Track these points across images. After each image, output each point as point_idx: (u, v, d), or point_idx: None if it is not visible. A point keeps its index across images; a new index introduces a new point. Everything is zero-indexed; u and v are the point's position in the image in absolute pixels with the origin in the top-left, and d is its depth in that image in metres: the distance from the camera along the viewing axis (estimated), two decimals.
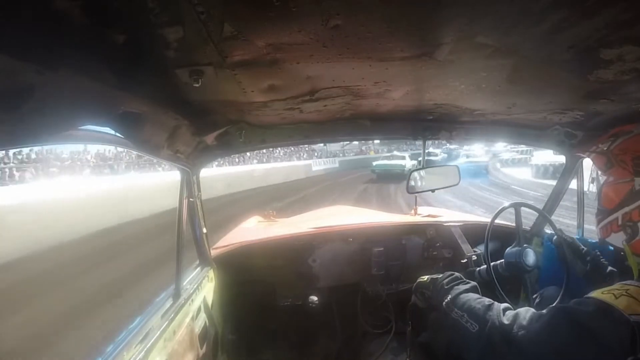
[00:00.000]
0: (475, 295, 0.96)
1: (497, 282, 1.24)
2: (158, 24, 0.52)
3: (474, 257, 1.51)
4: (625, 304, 0.70)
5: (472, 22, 0.57)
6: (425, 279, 1.16)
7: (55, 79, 0.48)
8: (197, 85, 0.72)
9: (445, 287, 1.05)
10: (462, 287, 1.01)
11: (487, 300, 0.91)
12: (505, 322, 0.80)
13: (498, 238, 1.51)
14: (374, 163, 17.29)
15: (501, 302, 0.90)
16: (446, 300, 0.99)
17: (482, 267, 1.36)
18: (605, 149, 0.92)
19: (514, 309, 0.85)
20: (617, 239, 0.84)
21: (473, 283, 1.04)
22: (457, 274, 1.11)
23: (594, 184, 0.97)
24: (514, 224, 1.47)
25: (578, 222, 1.58)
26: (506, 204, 1.40)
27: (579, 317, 0.72)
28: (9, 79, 0.42)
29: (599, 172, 0.93)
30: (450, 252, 1.90)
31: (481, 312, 0.86)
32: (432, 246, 1.93)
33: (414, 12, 0.54)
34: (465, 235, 1.85)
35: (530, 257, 1.28)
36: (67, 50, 0.48)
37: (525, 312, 0.81)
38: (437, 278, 1.12)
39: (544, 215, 1.55)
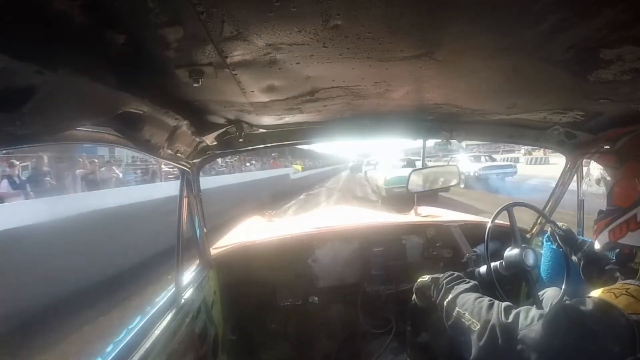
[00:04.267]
0: (476, 294, 0.95)
1: (497, 282, 1.24)
2: (158, 24, 0.52)
3: (474, 257, 1.52)
4: (625, 302, 0.70)
5: (472, 22, 0.57)
6: (426, 279, 1.16)
7: (55, 79, 0.47)
8: (197, 85, 0.72)
9: (447, 286, 1.04)
10: (463, 286, 1.01)
11: (488, 299, 0.91)
12: (507, 320, 0.80)
13: (498, 238, 1.51)
14: (388, 177, 10.14)
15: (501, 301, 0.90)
16: (447, 300, 0.99)
17: (482, 267, 1.36)
18: (611, 148, 0.92)
19: (516, 308, 0.85)
20: (636, 238, 0.81)
21: (474, 282, 1.04)
22: (457, 273, 1.11)
23: (600, 184, 0.96)
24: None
25: (578, 221, 1.58)
26: (506, 203, 1.40)
27: (580, 315, 0.72)
28: (9, 79, 0.42)
29: (608, 172, 0.92)
30: (450, 252, 1.90)
31: (483, 310, 0.86)
32: (432, 246, 1.93)
33: (414, 12, 0.54)
34: (465, 235, 1.85)
35: (530, 257, 1.28)
36: (67, 50, 0.48)
37: (527, 311, 0.81)
38: (438, 277, 1.12)
39: (544, 215, 1.55)
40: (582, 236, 1.49)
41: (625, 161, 0.87)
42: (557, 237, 1.39)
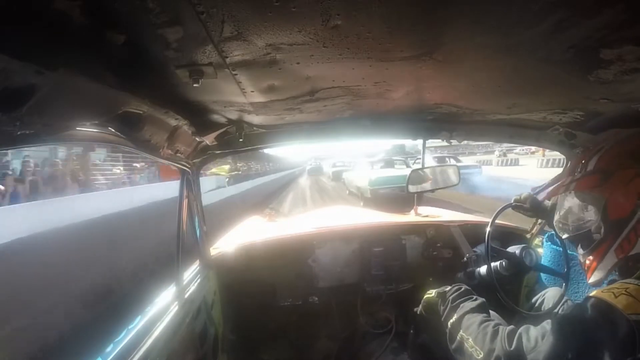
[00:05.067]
0: (482, 317, 0.93)
1: (497, 282, 1.24)
2: (158, 24, 0.52)
3: (474, 257, 1.52)
4: (624, 303, 0.69)
5: (472, 22, 0.57)
6: (433, 295, 1.12)
7: (55, 79, 0.48)
8: (197, 85, 0.72)
9: (452, 304, 1.01)
10: (469, 304, 0.98)
11: (493, 324, 0.88)
12: (511, 348, 0.78)
13: (498, 238, 1.51)
14: (373, 177, 9.42)
15: (501, 302, 0.90)
16: (452, 321, 0.96)
17: (482, 267, 1.36)
18: (582, 174, 0.89)
19: (518, 328, 0.82)
20: None
21: (481, 300, 1.00)
22: (465, 287, 1.06)
23: (588, 209, 0.89)
24: (514, 224, 1.48)
25: None
26: (506, 203, 1.40)
27: (580, 322, 0.71)
28: (9, 79, 0.42)
29: (594, 193, 0.86)
30: (450, 252, 1.90)
31: (487, 338, 0.84)
32: (432, 246, 1.93)
33: (413, 12, 0.54)
34: (465, 235, 1.85)
35: (530, 257, 1.28)
36: (67, 50, 0.48)
37: (527, 331, 0.79)
38: (445, 292, 1.09)
39: (518, 201, 1.54)
40: None
41: (610, 174, 0.84)
42: (523, 209, 1.34)
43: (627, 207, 0.81)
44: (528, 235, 1.81)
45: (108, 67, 0.60)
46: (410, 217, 2.32)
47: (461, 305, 1.00)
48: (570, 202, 0.91)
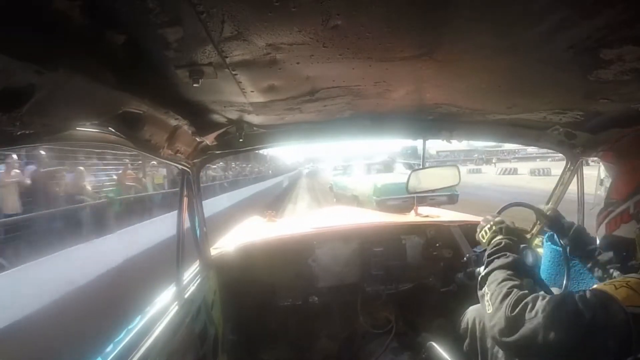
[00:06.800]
0: (506, 274, 0.94)
1: None
2: (158, 24, 0.52)
3: (474, 257, 1.52)
4: (624, 295, 0.72)
5: (472, 22, 0.57)
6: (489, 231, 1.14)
7: (55, 79, 0.48)
8: (197, 85, 0.72)
9: (488, 259, 1.04)
10: (501, 260, 0.99)
11: (510, 285, 0.90)
12: (513, 313, 0.81)
13: None
14: (379, 185, 8.09)
15: None
16: (482, 274, 1.00)
17: (482, 267, 1.36)
18: (611, 147, 0.96)
19: (529, 295, 0.84)
20: (628, 230, 0.84)
21: (513, 257, 0.99)
22: (506, 241, 1.05)
23: (603, 184, 1.00)
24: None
25: (578, 221, 1.58)
26: (506, 203, 1.40)
27: (580, 311, 0.74)
28: (9, 79, 0.42)
29: (607, 168, 0.98)
30: (450, 252, 1.90)
31: (499, 297, 0.87)
32: (432, 246, 1.93)
33: (413, 12, 0.54)
34: (465, 235, 1.85)
35: (530, 257, 1.28)
36: (67, 50, 0.48)
37: (534, 301, 0.81)
38: (492, 241, 1.10)
39: (530, 206, 1.55)
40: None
41: (621, 157, 0.93)
42: (544, 223, 1.38)
43: (622, 193, 0.87)
44: (528, 236, 1.81)
45: (108, 67, 0.60)
46: (410, 217, 2.33)
47: (495, 260, 1.01)
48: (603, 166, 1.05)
